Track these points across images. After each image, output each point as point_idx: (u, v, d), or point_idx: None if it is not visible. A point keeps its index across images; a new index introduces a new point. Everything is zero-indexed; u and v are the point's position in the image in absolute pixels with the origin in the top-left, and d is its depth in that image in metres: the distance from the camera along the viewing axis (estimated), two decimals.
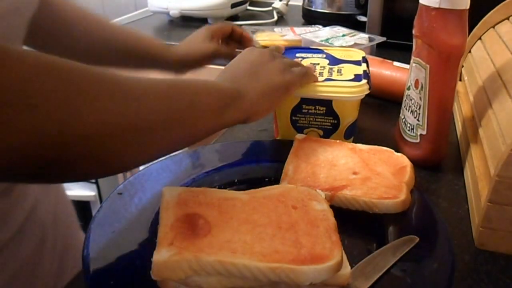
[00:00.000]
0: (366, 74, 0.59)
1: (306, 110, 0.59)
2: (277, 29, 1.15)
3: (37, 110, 0.28)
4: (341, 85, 0.56)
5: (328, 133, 0.60)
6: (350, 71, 0.60)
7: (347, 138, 0.60)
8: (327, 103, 0.57)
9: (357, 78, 0.57)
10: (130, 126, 0.34)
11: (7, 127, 0.28)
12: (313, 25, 1.18)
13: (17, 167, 0.30)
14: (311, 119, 0.59)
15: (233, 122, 0.45)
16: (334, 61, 0.64)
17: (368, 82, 0.57)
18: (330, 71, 0.60)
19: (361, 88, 0.56)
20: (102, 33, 0.67)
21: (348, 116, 0.58)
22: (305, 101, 0.58)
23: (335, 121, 0.58)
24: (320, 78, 0.57)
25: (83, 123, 0.31)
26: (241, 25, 1.28)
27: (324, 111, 0.58)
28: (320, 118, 0.59)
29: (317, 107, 0.58)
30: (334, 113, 0.58)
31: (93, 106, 0.31)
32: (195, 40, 0.72)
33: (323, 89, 0.56)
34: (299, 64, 0.57)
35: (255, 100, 0.46)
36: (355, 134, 0.61)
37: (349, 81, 0.57)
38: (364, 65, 0.61)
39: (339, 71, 0.60)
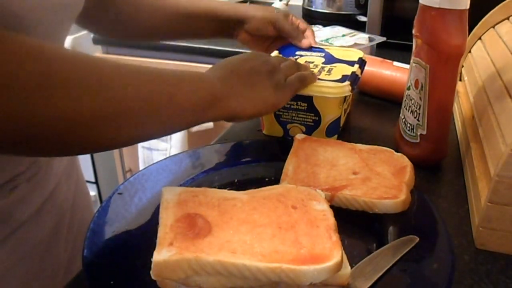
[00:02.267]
0: (355, 76, 0.60)
1: (288, 105, 0.60)
2: None
3: (10, 90, 0.30)
4: (323, 84, 0.57)
5: (310, 130, 0.61)
6: (340, 71, 0.60)
7: (329, 135, 0.61)
8: (308, 99, 0.58)
9: (343, 78, 0.58)
10: (101, 114, 0.35)
11: None
12: (313, 25, 1.18)
13: None
14: (294, 114, 0.60)
15: (215, 120, 0.45)
16: (330, 60, 0.65)
17: (352, 84, 0.57)
18: (321, 70, 0.61)
19: (342, 90, 0.57)
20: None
21: (330, 114, 0.59)
22: None
23: (317, 118, 0.59)
24: None
25: (54, 109, 0.32)
26: None
27: (306, 107, 0.59)
28: (302, 114, 0.60)
29: (298, 102, 0.59)
30: (315, 110, 0.59)
31: (66, 93, 0.33)
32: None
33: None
34: (299, 68, 0.57)
35: (241, 106, 0.46)
36: (338, 132, 0.62)
37: (332, 81, 0.57)
38: (356, 66, 0.62)
39: (329, 70, 0.61)
